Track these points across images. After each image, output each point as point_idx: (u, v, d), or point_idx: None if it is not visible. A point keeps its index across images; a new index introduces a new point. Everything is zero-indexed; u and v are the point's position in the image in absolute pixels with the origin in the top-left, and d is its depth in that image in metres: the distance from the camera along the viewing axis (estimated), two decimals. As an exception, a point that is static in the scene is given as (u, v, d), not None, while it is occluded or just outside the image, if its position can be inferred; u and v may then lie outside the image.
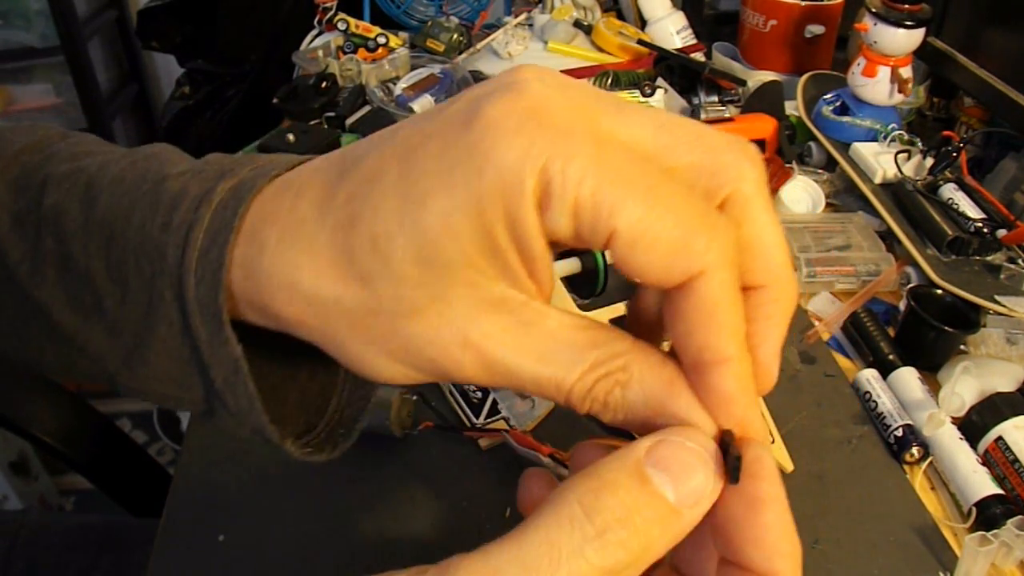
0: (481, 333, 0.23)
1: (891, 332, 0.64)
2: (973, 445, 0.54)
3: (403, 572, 0.20)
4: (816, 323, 0.67)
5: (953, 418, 0.56)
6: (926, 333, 0.61)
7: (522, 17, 1.20)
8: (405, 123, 0.24)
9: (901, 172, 0.78)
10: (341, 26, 1.15)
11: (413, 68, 1.08)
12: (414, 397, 0.56)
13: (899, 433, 0.55)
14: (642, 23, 1.18)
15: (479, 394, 0.59)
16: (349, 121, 0.98)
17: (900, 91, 0.83)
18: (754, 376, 0.23)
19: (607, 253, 0.24)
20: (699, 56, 1.10)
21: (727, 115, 0.95)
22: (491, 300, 0.23)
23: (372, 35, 1.14)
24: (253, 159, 0.28)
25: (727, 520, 0.21)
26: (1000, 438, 0.53)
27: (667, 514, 0.20)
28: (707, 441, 0.21)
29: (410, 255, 0.22)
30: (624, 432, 0.23)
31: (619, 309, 0.58)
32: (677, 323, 0.22)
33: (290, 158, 0.27)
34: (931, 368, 0.62)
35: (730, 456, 0.21)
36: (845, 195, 0.84)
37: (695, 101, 0.98)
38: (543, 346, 0.22)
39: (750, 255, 0.23)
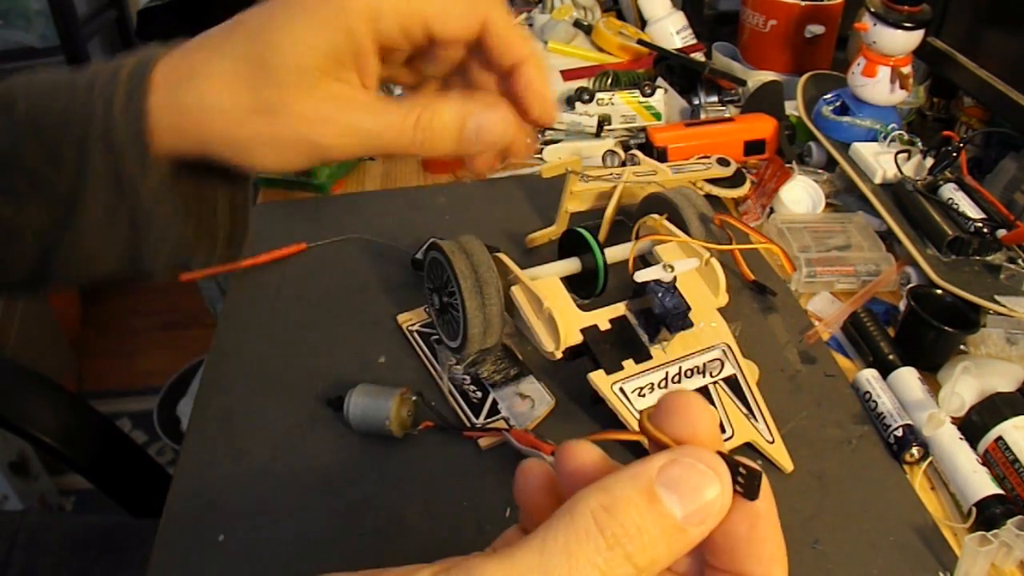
0: (336, 108, 0.36)
1: (891, 332, 0.64)
2: (973, 445, 0.54)
3: (427, 568, 0.21)
4: (816, 323, 0.67)
5: (953, 418, 0.56)
6: (926, 333, 0.61)
7: (522, 17, 1.20)
8: None
9: (901, 172, 0.78)
10: (341, 26, 1.14)
11: (413, 68, 1.08)
12: (414, 398, 0.56)
13: (899, 433, 0.55)
14: (642, 23, 1.18)
15: (479, 394, 0.59)
16: (349, 121, 0.98)
17: (902, 87, 0.83)
18: (539, 109, 0.38)
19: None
20: (699, 56, 1.10)
21: (727, 115, 0.95)
22: (339, 90, 0.36)
23: (372, 35, 1.14)
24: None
25: (727, 535, 0.23)
26: (1000, 438, 0.53)
27: (674, 531, 0.21)
28: (717, 462, 0.22)
29: (287, 67, 0.35)
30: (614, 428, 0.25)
31: (619, 309, 0.58)
32: (492, 60, 0.38)
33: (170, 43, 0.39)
34: (931, 368, 0.62)
35: (746, 474, 0.22)
36: (845, 195, 0.84)
37: (695, 101, 0.99)
38: (377, 107, 0.36)
39: (501, 49, 0.37)
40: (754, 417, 0.55)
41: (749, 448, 0.54)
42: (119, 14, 2.26)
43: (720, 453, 0.23)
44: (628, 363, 0.55)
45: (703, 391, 0.55)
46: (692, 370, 0.56)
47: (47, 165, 0.38)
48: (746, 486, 0.22)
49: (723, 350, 0.57)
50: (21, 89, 0.39)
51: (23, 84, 0.40)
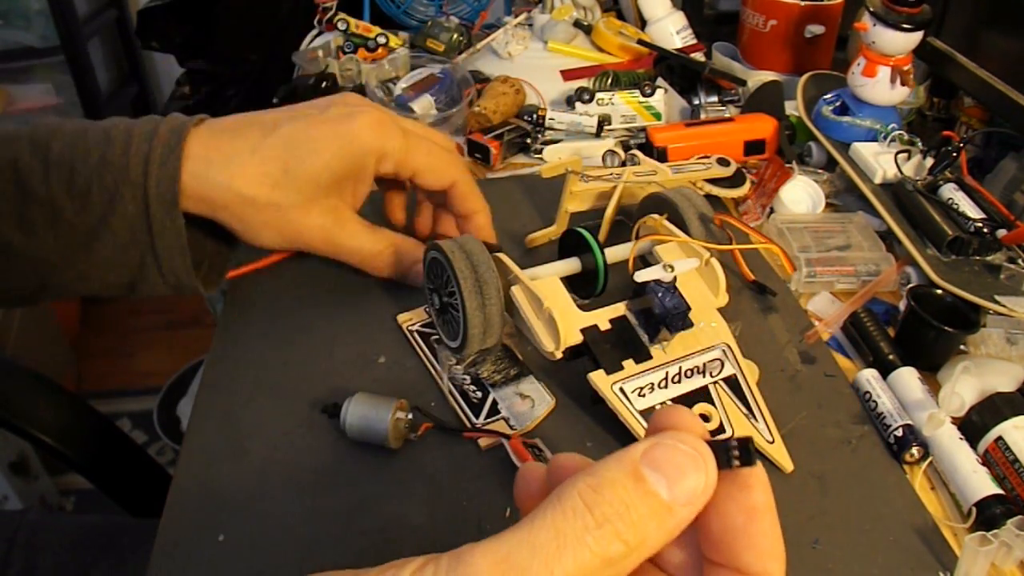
0: (330, 220, 0.54)
1: (891, 332, 0.64)
2: (973, 445, 0.54)
3: (414, 561, 0.21)
4: (816, 323, 0.67)
5: (953, 418, 0.56)
6: (926, 333, 0.61)
7: (522, 17, 1.20)
8: (303, 107, 0.54)
9: (901, 172, 0.78)
10: (341, 26, 1.15)
11: (413, 68, 1.08)
12: (409, 415, 0.55)
13: (899, 433, 0.55)
14: (642, 23, 1.18)
15: (479, 394, 0.59)
16: (349, 121, 0.99)
17: (903, 83, 0.83)
18: (483, 235, 0.60)
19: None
20: (699, 56, 1.10)
21: (727, 115, 0.95)
22: (335, 205, 0.53)
23: (372, 35, 1.14)
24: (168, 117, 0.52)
25: (725, 528, 0.23)
26: (1000, 438, 0.53)
27: (662, 511, 0.21)
28: (700, 445, 0.22)
29: (307, 178, 0.50)
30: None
31: (619, 309, 0.58)
32: (454, 206, 0.61)
33: (194, 117, 0.52)
34: (931, 368, 0.62)
35: (737, 445, 0.23)
36: (845, 195, 0.84)
37: (695, 101, 0.99)
38: (359, 231, 0.58)
39: (463, 200, 0.61)
40: (754, 417, 0.55)
41: (749, 448, 0.54)
42: (119, 14, 2.26)
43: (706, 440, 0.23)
44: (628, 363, 0.55)
45: (703, 391, 0.55)
46: (692, 370, 0.56)
47: (74, 203, 0.46)
48: (742, 456, 0.22)
49: (723, 350, 0.57)
50: (54, 132, 0.47)
51: (55, 127, 0.48)
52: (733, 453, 0.22)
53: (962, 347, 0.63)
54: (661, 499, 0.21)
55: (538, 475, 0.27)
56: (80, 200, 0.45)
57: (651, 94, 0.94)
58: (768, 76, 1.01)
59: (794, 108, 0.92)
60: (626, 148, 0.91)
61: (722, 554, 0.23)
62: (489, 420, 0.57)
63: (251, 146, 0.48)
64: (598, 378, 0.54)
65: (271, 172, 0.47)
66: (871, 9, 0.81)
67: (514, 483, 0.27)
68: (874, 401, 0.58)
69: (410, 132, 0.57)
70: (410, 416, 0.56)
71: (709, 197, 0.74)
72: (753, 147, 0.87)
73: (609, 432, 0.56)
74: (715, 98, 0.98)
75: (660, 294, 0.55)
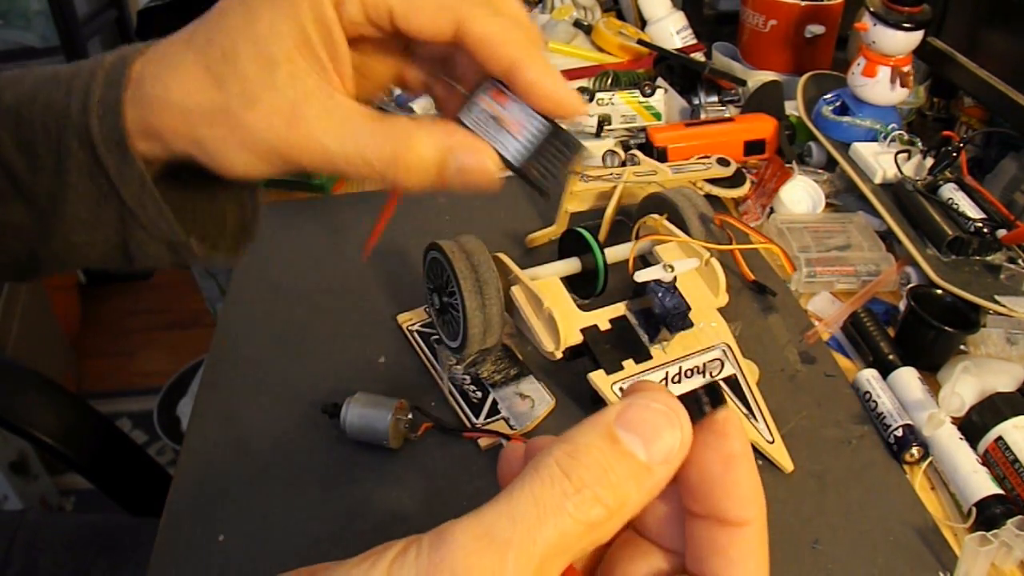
0: (301, 115, 0.32)
1: (891, 332, 0.64)
2: (973, 445, 0.54)
3: (396, 545, 0.21)
4: (816, 323, 0.67)
5: (953, 418, 0.56)
6: (926, 333, 0.61)
7: (522, 17, 1.20)
8: None
9: (901, 172, 0.78)
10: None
11: (413, 68, 1.08)
12: (409, 415, 0.55)
13: (899, 433, 0.55)
14: (642, 23, 1.18)
15: (479, 394, 0.59)
16: (349, 121, 0.98)
17: (903, 84, 0.83)
18: (554, 108, 0.32)
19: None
20: (699, 56, 1.10)
21: (727, 115, 0.95)
22: (307, 90, 0.32)
23: (372, 35, 1.14)
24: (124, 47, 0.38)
25: (703, 478, 0.23)
26: (1000, 438, 0.53)
27: (640, 471, 0.21)
28: (671, 399, 0.22)
29: (248, 57, 0.32)
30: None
31: (619, 309, 0.58)
32: (473, 53, 0.32)
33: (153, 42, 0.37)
34: (931, 368, 0.62)
35: (704, 392, 0.23)
36: (845, 195, 0.84)
37: (695, 101, 0.98)
38: (350, 117, 0.32)
39: (486, 53, 0.32)
40: (754, 417, 0.55)
41: (749, 448, 0.54)
42: (119, 14, 2.26)
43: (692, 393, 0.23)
44: (628, 363, 0.55)
45: (703, 391, 0.55)
46: (692, 370, 0.56)
47: (26, 163, 0.37)
48: (712, 401, 0.23)
49: (723, 350, 0.57)
50: (8, 81, 0.38)
51: (11, 77, 0.38)
52: (703, 400, 0.23)
53: (962, 347, 0.63)
54: (638, 460, 0.21)
55: (519, 454, 0.27)
56: (30, 160, 0.36)
57: (651, 94, 0.94)
58: (768, 76, 1.01)
59: (794, 108, 0.92)
60: (626, 148, 0.91)
61: (702, 504, 0.23)
62: (489, 420, 0.57)
63: (186, 41, 0.34)
64: (598, 378, 0.54)
65: (207, 63, 0.32)
66: (871, 9, 0.81)
67: (498, 463, 0.27)
68: (874, 401, 0.58)
69: None
70: (410, 416, 0.56)
71: (709, 197, 0.74)
72: (753, 147, 0.87)
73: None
74: (715, 98, 0.98)
75: (660, 294, 0.55)
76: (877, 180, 0.79)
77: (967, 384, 0.58)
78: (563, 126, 0.33)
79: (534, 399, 0.58)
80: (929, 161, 0.79)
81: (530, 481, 0.21)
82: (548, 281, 0.58)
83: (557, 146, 0.33)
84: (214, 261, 0.41)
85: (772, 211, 0.80)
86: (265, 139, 0.32)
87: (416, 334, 0.65)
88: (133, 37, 2.16)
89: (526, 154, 0.33)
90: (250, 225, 0.43)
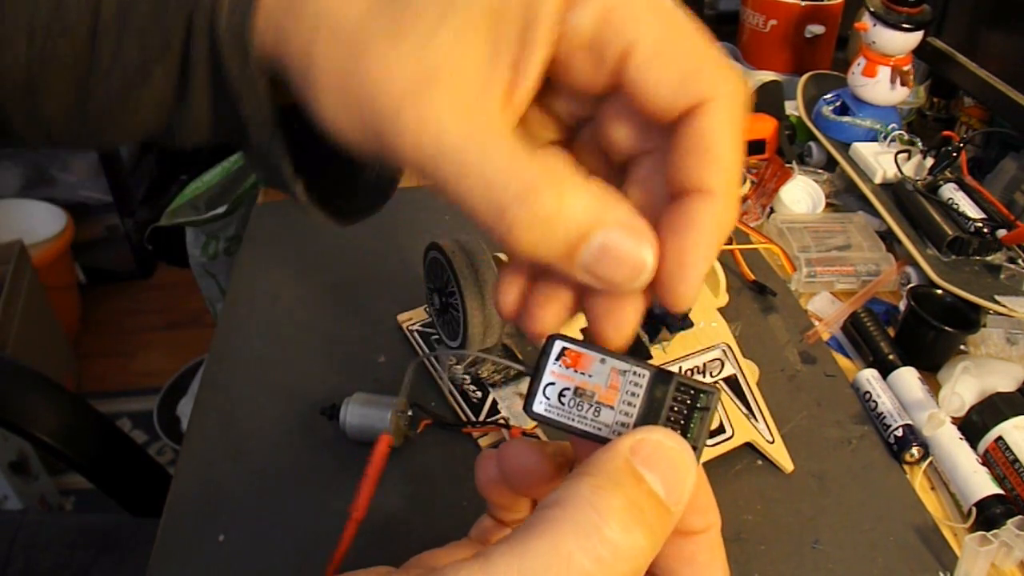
0: (437, 82, 0.22)
1: (891, 332, 0.64)
2: (973, 445, 0.54)
3: (397, 572, 0.21)
4: (816, 323, 0.67)
5: (953, 418, 0.56)
6: (926, 333, 0.61)
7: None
8: None
9: (901, 172, 0.78)
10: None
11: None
12: (409, 413, 0.55)
13: (899, 433, 0.55)
14: (642, 23, 1.17)
15: (479, 394, 0.59)
16: (349, 121, 0.98)
17: (903, 84, 0.83)
18: (674, 288, 0.23)
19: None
20: (699, 56, 1.10)
21: (727, 115, 0.95)
22: (462, 62, 0.22)
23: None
24: None
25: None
26: (1000, 438, 0.53)
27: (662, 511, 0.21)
28: (680, 441, 0.23)
29: None
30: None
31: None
32: (672, 155, 0.23)
33: None
34: (931, 368, 0.62)
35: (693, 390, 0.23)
36: (845, 195, 0.84)
37: (695, 101, 0.98)
38: (480, 125, 0.22)
39: (706, 156, 0.23)
40: (754, 417, 0.55)
41: (749, 448, 0.54)
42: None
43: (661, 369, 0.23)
44: (628, 363, 0.55)
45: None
46: (692, 370, 0.56)
47: (157, 52, 0.29)
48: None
49: (723, 350, 0.57)
50: None
51: None
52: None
53: (962, 347, 0.63)
54: (661, 500, 0.21)
55: (495, 464, 0.27)
56: (159, 47, 0.29)
57: (651, 94, 0.94)
58: (768, 76, 1.01)
59: (794, 108, 0.92)
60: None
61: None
62: (489, 420, 0.57)
63: None
64: (598, 378, 0.54)
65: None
66: (871, 9, 0.81)
67: (475, 471, 0.28)
68: (874, 401, 0.58)
69: None
70: (410, 413, 0.56)
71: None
72: (753, 147, 0.87)
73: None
74: (715, 98, 0.98)
75: (660, 294, 0.55)
76: (877, 180, 0.79)
77: (967, 384, 0.58)
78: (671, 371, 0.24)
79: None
80: (929, 161, 0.79)
81: (549, 534, 0.20)
82: (548, 281, 0.58)
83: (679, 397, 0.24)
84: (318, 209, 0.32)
85: (772, 211, 0.80)
86: (375, 94, 0.23)
87: (416, 334, 0.65)
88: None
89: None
90: (385, 182, 0.34)
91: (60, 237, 1.92)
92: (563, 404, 0.24)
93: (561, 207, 0.22)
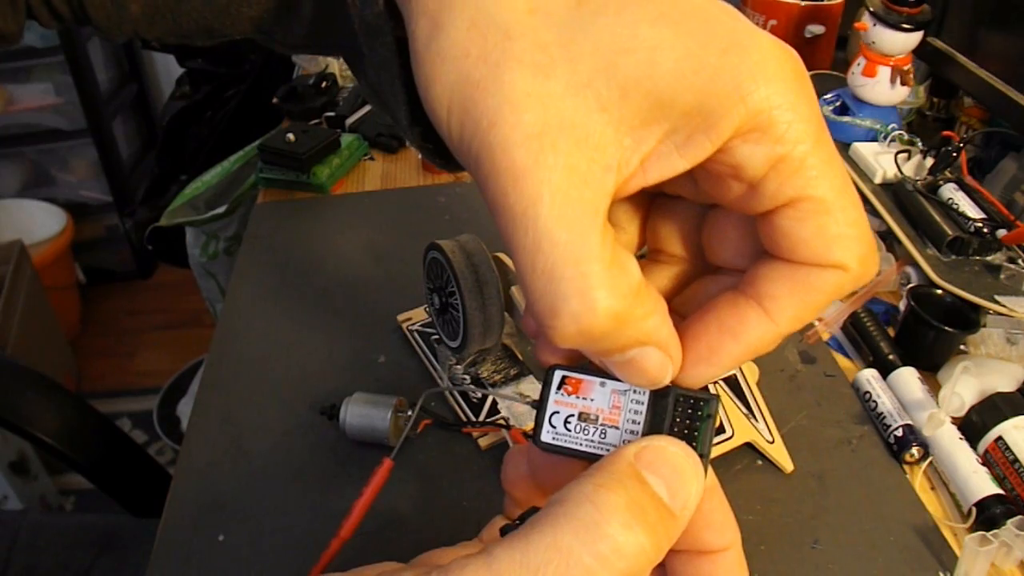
0: (547, 144, 0.19)
1: (891, 332, 0.64)
2: (973, 445, 0.54)
3: (409, 570, 0.21)
4: (816, 323, 0.67)
5: (953, 418, 0.56)
6: (926, 333, 0.61)
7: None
8: None
9: (901, 172, 0.78)
10: (341, 26, 1.14)
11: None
12: (409, 413, 0.56)
13: (899, 433, 0.55)
14: (642, 23, 1.17)
15: (479, 394, 0.59)
16: (349, 121, 0.98)
17: (903, 83, 0.83)
18: (690, 373, 0.24)
19: None
20: (699, 56, 1.10)
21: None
22: (589, 133, 0.20)
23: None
24: None
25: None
26: (1000, 438, 0.53)
27: (667, 517, 0.21)
28: (687, 449, 0.23)
29: (608, 50, 0.20)
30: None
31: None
32: (775, 239, 0.22)
33: None
34: (931, 368, 0.62)
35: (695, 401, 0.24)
36: (845, 195, 0.83)
37: (695, 101, 0.98)
38: (586, 211, 0.20)
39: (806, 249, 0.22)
40: (754, 417, 0.55)
41: (749, 448, 0.54)
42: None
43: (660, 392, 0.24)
44: (628, 363, 0.55)
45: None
46: (692, 370, 0.56)
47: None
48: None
49: (723, 350, 0.57)
50: None
51: None
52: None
53: (962, 347, 0.63)
54: (664, 504, 0.21)
55: (525, 459, 0.27)
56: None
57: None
58: (768, 76, 1.01)
59: (794, 108, 0.92)
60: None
61: (682, 540, 0.22)
62: (489, 420, 0.57)
63: None
64: (598, 378, 0.54)
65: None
66: (871, 9, 0.81)
67: (502, 467, 0.27)
68: (874, 401, 0.58)
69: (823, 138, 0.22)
70: (409, 413, 0.56)
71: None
72: (753, 147, 0.87)
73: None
74: (715, 98, 0.98)
75: (660, 294, 0.55)
76: (877, 180, 0.79)
77: (967, 384, 0.58)
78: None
79: (534, 399, 0.58)
80: (929, 161, 0.79)
81: (550, 530, 0.20)
82: (548, 281, 0.58)
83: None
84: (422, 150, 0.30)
85: (772, 211, 0.80)
86: (473, 101, 0.20)
87: (416, 334, 0.65)
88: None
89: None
90: None
91: (60, 237, 1.92)
92: (570, 430, 0.24)
93: (616, 329, 0.21)
